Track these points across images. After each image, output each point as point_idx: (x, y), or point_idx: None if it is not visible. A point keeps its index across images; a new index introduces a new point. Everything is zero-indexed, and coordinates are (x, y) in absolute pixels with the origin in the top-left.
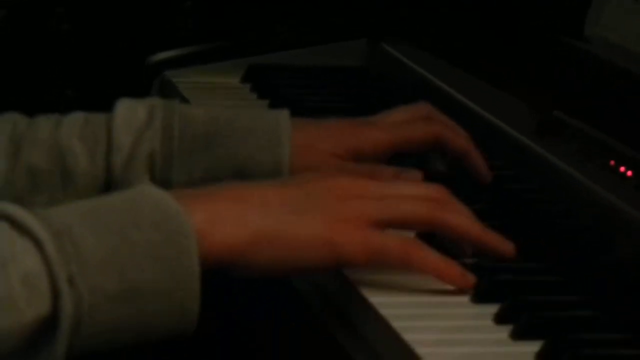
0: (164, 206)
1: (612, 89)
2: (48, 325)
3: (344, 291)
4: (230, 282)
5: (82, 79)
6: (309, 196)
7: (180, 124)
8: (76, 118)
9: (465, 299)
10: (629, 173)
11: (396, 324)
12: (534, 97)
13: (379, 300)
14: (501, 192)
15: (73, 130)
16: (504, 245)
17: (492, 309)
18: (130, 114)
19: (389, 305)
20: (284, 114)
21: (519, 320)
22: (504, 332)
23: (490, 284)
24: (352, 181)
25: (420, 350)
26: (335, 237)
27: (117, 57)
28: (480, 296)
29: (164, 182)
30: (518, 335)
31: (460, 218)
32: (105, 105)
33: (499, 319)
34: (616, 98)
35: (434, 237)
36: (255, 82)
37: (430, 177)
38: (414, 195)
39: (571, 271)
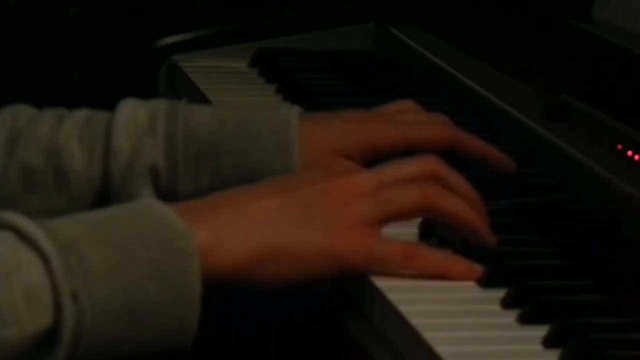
0: (169, 224)
1: (619, 73)
2: (49, 337)
3: (359, 284)
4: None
5: (89, 63)
6: (307, 205)
7: (184, 132)
8: (78, 116)
9: (472, 283)
10: (637, 157)
11: (403, 309)
12: (541, 81)
13: (385, 284)
14: (508, 176)
15: (73, 130)
16: (489, 237)
17: (499, 293)
18: (131, 117)
19: (396, 289)
20: (293, 114)
21: (526, 305)
22: (511, 316)
23: (498, 268)
24: (347, 181)
25: (427, 334)
26: (337, 247)
27: (125, 41)
28: (487, 281)
29: (170, 191)
30: (525, 319)
31: (454, 203)
32: (112, 90)
33: (506, 304)
34: (624, 82)
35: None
36: (263, 66)
37: None
38: (410, 179)
39: (578, 255)
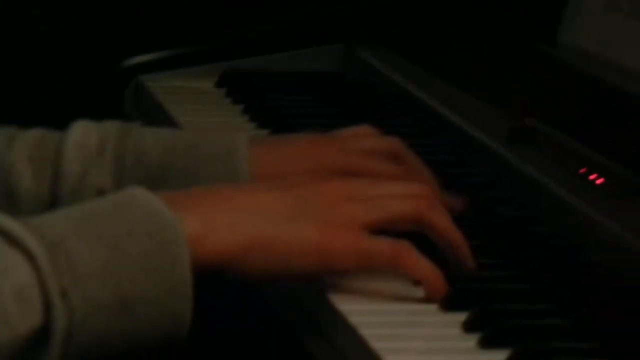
0: (157, 214)
1: (584, 97)
2: (40, 336)
3: (313, 298)
4: (198, 290)
5: (58, 82)
6: (301, 202)
7: (133, 155)
8: (30, 136)
9: (434, 307)
10: (600, 181)
11: (364, 332)
12: (506, 104)
13: (348, 308)
14: (472, 199)
15: (24, 150)
16: (469, 260)
17: (460, 317)
18: (81, 140)
19: (358, 313)
20: (242, 140)
21: (487, 329)
22: (472, 340)
23: (459, 292)
24: (341, 184)
25: (388, 358)
26: (327, 243)
27: (93, 60)
28: (449, 304)
29: None
30: (486, 343)
31: (444, 220)
32: (79, 109)
33: (468, 327)
34: (588, 106)
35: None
36: (230, 86)
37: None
38: (401, 194)
39: (541, 279)
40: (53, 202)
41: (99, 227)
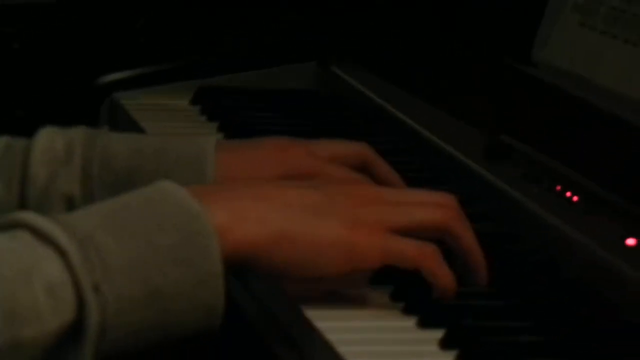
0: (185, 207)
1: (559, 114)
2: (73, 333)
3: (291, 314)
4: None
5: (32, 99)
6: (329, 200)
7: (101, 160)
8: None
9: (410, 323)
10: (575, 198)
11: (342, 349)
12: (481, 121)
13: (325, 325)
14: None
15: None
16: (484, 277)
17: (437, 334)
18: (48, 146)
19: (335, 330)
20: (210, 143)
21: (464, 346)
22: (449, 357)
23: (436, 308)
24: (370, 188)
25: None
26: (354, 240)
27: (68, 77)
28: (425, 321)
29: None
30: None
31: (470, 234)
32: (55, 125)
33: (444, 344)
34: (564, 123)
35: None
36: (205, 104)
37: None
38: (429, 202)
39: (517, 296)
40: (22, 208)
41: (127, 221)
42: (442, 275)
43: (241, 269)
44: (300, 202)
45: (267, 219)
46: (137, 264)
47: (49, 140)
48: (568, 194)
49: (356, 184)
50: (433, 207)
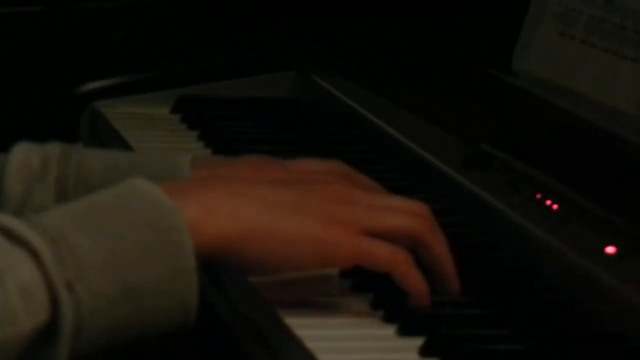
0: (156, 202)
1: (539, 123)
2: (49, 331)
3: (270, 322)
4: None
5: (15, 109)
6: (303, 197)
7: (76, 176)
8: None
9: (390, 331)
10: (555, 206)
11: (321, 357)
12: (461, 130)
13: (304, 332)
14: None
15: None
16: (455, 287)
17: (417, 342)
18: (24, 161)
19: (315, 337)
20: (185, 161)
21: (443, 354)
22: None
23: (415, 316)
24: (347, 189)
25: None
26: (327, 236)
27: (48, 86)
28: (405, 329)
29: None
30: None
31: (441, 244)
32: (34, 134)
33: (424, 352)
34: (543, 132)
35: None
36: (185, 113)
37: None
38: (403, 209)
39: (496, 304)
40: None
41: (99, 218)
42: (413, 280)
43: (215, 264)
44: (274, 198)
45: (240, 213)
46: (110, 261)
47: (24, 156)
48: (548, 202)
49: (331, 183)
50: (407, 214)
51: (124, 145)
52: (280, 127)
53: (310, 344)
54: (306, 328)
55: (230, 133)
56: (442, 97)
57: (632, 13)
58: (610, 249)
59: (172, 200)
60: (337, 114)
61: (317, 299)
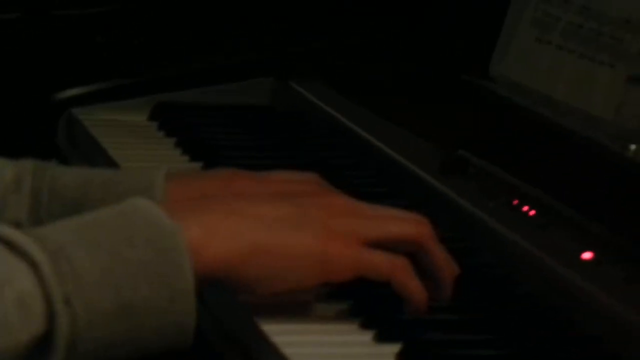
0: (157, 223)
1: (516, 129)
2: (44, 344)
3: (247, 328)
4: None
5: None
6: (302, 212)
7: (49, 190)
8: None
9: (367, 337)
10: (532, 212)
11: None
12: (438, 136)
13: (281, 339)
14: None
15: None
16: (449, 294)
17: (394, 348)
18: None
19: (291, 344)
20: (159, 175)
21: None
22: None
23: (392, 322)
24: (345, 201)
25: None
26: (327, 251)
27: (26, 92)
28: (382, 335)
29: None
30: None
31: (441, 249)
32: (12, 141)
33: (402, 358)
34: (520, 138)
35: None
36: (162, 120)
37: None
38: (402, 217)
39: (473, 310)
40: None
41: (99, 235)
42: (413, 288)
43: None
44: (273, 215)
45: (239, 233)
46: (108, 278)
47: None
48: (525, 208)
49: (329, 195)
50: (406, 221)
51: (101, 152)
52: (258, 134)
53: (287, 350)
54: (283, 334)
55: (208, 140)
56: (420, 103)
57: (609, 19)
58: (587, 255)
59: (173, 221)
60: (314, 120)
61: (294, 305)
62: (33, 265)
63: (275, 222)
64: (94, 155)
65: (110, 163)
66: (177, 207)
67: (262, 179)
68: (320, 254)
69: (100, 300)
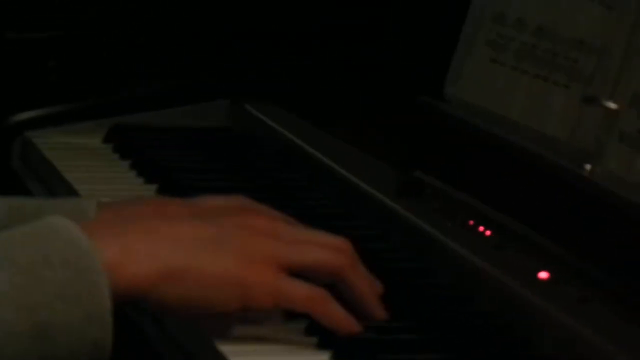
0: (74, 242)
1: (471, 149)
2: None
3: (204, 349)
4: None
5: None
6: (223, 233)
7: None
8: None
9: (325, 357)
10: (488, 232)
11: None
12: (394, 157)
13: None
14: (362, 251)
15: None
16: (380, 315)
17: None
18: None
19: None
20: (91, 205)
21: None
22: None
23: (350, 342)
24: (267, 222)
25: None
26: (245, 275)
27: None
28: (339, 356)
29: None
30: None
31: (362, 280)
32: None
33: None
34: (475, 158)
35: None
36: (118, 142)
37: None
38: (325, 244)
39: (431, 329)
40: None
41: (14, 253)
42: (335, 317)
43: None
44: (192, 236)
45: (157, 254)
46: (21, 296)
47: None
48: (481, 228)
49: (250, 215)
50: (328, 249)
51: (56, 175)
52: (213, 156)
53: None
54: (241, 355)
55: (162, 162)
56: (375, 125)
57: (563, 40)
58: (543, 274)
59: (90, 240)
60: (270, 142)
61: (251, 326)
62: None
63: (194, 242)
64: (50, 178)
65: (66, 186)
66: (95, 227)
67: (192, 205)
68: (239, 280)
69: (14, 319)
